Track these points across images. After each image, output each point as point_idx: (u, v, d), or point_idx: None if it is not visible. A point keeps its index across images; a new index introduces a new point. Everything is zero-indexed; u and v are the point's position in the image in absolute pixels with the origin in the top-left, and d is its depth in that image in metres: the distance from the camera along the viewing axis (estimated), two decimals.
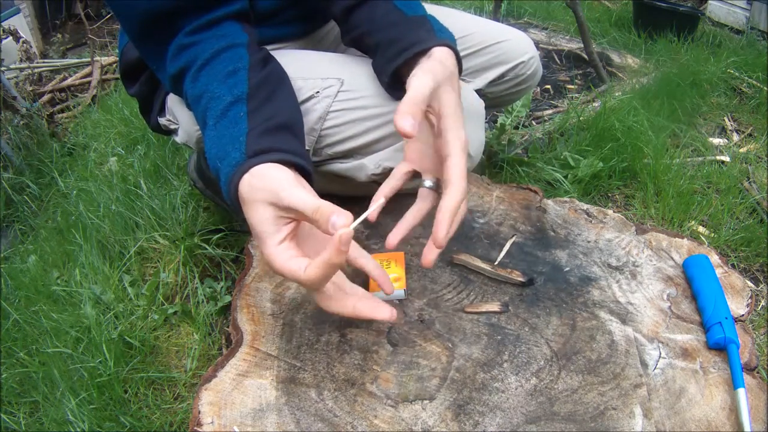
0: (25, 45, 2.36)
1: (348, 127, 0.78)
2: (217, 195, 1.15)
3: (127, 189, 1.32)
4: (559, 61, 2.20)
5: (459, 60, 0.72)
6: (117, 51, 0.94)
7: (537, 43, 2.20)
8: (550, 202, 0.93)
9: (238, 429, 0.59)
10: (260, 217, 0.58)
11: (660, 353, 0.68)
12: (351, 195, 0.87)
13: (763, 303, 1.10)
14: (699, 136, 1.60)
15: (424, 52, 0.69)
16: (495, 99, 1.03)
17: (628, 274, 0.79)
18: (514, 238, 0.85)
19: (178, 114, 0.91)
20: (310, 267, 0.55)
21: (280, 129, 0.65)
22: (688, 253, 0.82)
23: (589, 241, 0.85)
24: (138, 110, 1.04)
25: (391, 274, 0.75)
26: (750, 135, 1.67)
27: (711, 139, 1.62)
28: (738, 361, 0.65)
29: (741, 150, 1.57)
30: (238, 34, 0.70)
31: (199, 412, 0.60)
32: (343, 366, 0.66)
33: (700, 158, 1.50)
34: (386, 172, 0.79)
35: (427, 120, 0.67)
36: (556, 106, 1.86)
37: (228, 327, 0.77)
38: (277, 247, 0.58)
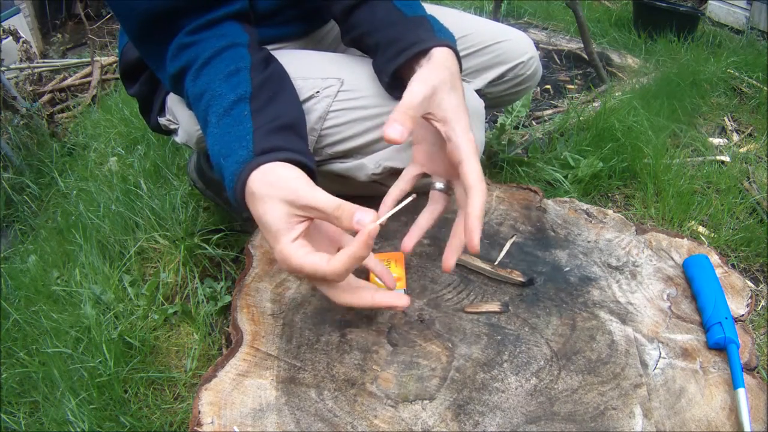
0: (25, 45, 2.36)
1: (348, 126, 0.78)
2: (218, 195, 1.15)
3: (127, 189, 1.32)
4: (559, 61, 2.20)
5: (459, 60, 0.72)
6: (117, 51, 0.94)
7: (537, 43, 2.21)
8: (550, 202, 0.93)
9: (238, 429, 0.59)
10: (274, 214, 0.58)
11: (660, 353, 0.68)
12: (351, 195, 0.87)
13: (763, 303, 1.10)
14: (699, 136, 1.60)
15: (424, 53, 0.69)
16: (495, 99, 1.03)
17: (628, 274, 0.79)
18: (514, 238, 0.85)
19: (178, 114, 0.90)
20: (334, 260, 0.56)
21: (286, 129, 0.65)
22: (688, 253, 0.82)
23: (589, 241, 0.85)
24: (138, 110, 1.04)
25: (392, 274, 0.74)
26: (750, 135, 1.67)
27: (711, 139, 1.62)
28: (738, 361, 0.65)
29: (741, 150, 1.57)
30: (239, 34, 0.70)
31: (199, 412, 0.60)
32: (343, 366, 0.66)
33: (700, 158, 1.50)
34: (386, 172, 0.80)
35: (431, 126, 0.67)
36: (556, 106, 1.86)
37: (228, 327, 0.77)
38: (292, 244, 0.58)
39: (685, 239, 0.85)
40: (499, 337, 0.70)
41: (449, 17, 0.87)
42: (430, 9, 0.84)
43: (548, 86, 2.00)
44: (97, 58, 2.43)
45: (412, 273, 0.79)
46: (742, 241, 1.20)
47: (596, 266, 0.81)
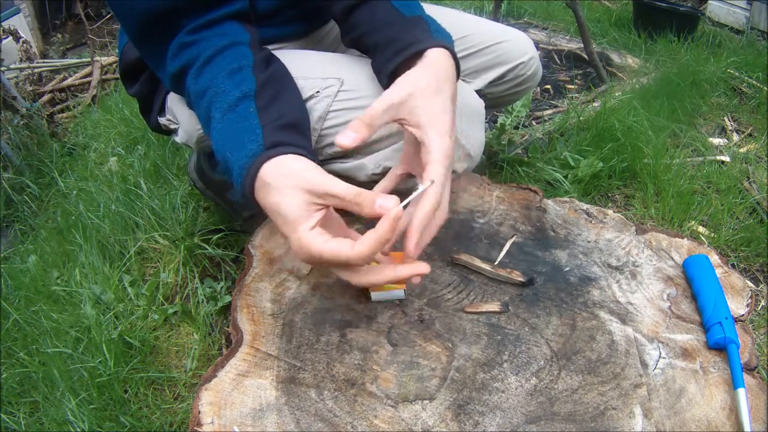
0: (25, 45, 2.36)
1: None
2: (218, 195, 1.15)
3: (127, 189, 1.32)
4: (559, 61, 2.20)
5: (456, 60, 0.72)
6: (117, 51, 0.94)
7: (537, 43, 2.20)
8: (550, 202, 0.93)
9: (238, 429, 0.59)
10: (292, 203, 0.59)
11: (660, 353, 0.68)
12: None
13: (763, 303, 1.10)
14: (699, 136, 1.60)
15: (420, 53, 0.69)
16: (495, 99, 1.03)
17: (628, 274, 0.79)
18: (514, 238, 0.85)
19: (178, 114, 0.91)
20: (359, 244, 0.57)
21: (291, 128, 0.66)
22: (688, 253, 0.82)
23: (589, 241, 0.85)
24: (138, 110, 1.04)
25: None
26: (750, 135, 1.67)
27: (711, 139, 1.62)
28: (738, 361, 0.65)
29: (741, 150, 1.57)
30: (240, 33, 0.70)
31: (199, 412, 0.60)
32: (343, 366, 0.66)
33: (700, 158, 1.50)
34: (386, 172, 0.80)
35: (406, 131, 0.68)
36: (556, 106, 1.86)
37: (228, 327, 0.77)
38: (310, 232, 0.59)
39: (685, 239, 0.85)
40: (499, 337, 0.70)
41: (449, 17, 0.87)
42: (430, 9, 0.84)
43: (548, 86, 2.00)
44: (97, 58, 2.43)
45: None
46: (742, 241, 1.20)
47: (596, 266, 0.81)
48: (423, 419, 0.61)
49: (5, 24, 2.43)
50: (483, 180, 0.98)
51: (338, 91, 0.78)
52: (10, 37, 2.30)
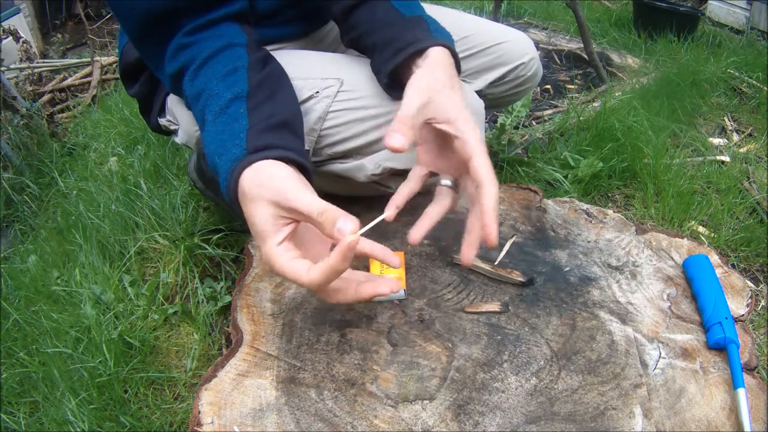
0: (25, 45, 2.36)
1: (347, 127, 0.78)
2: (218, 195, 1.15)
3: (127, 189, 1.32)
4: (559, 61, 2.20)
5: (457, 60, 0.72)
6: (117, 51, 0.94)
7: (537, 43, 2.20)
8: (550, 202, 0.93)
9: (238, 429, 0.59)
10: (261, 215, 0.58)
11: (660, 353, 0.68)
12: (351, 195, 0.87)
13: (763, 303, 1.10)
14: (699, 136, 1.60)
15: (420, 52, 0.69)
16: (495, 100, 1.03)
17: (628, 274, 0.79)
18: (514, 238, 0.85)
19: (178, 114, 0.90)
20: (313, 271, 0.55)
21: (281, 127, 0.65)
22: (688, 253, 0.82)
23: (589, 241, 0.85)
24: (138, 110, 1.04)
25: (391, 273, 0.75)
26: (750, 135, 1.67)
27: (711, 139, 1.62)
28: (738, 361, 0.65)
29: (741, 150, 1.57)
30: (237, 35, 0.70)
31: (199, 412, 0.60)
32: (343, 366, 0.66)
33: (700, 158, 1.50)
34: (386, 173, 0.80)
35: (433, 127, 0.67)
36: (556, 106, 1.86)
37: (228, 327, 0.77)
38: (277, 248, 0.58)
39: (685, 239, 0.85)
40: (499, 337, 0.70)
41: (449, 18, 0.87)
42: (430, 9, 0.84)
43: (548, 86, 2.00)
44: (97, 58, 2.43)
45: (412, 273, 0.79)
46: (742, 241, 1.20)
47: (596, 266, 0.81)
48: (423, 419, 0.61)
49: (5, 24, 2.43)
50: None
51: (338, 92, 0.78)
52: (10, 37, 2.30)
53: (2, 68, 2.13)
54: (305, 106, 0.77)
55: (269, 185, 0.58)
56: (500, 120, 1.54)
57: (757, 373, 0.69)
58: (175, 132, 0.95)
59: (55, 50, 2.97)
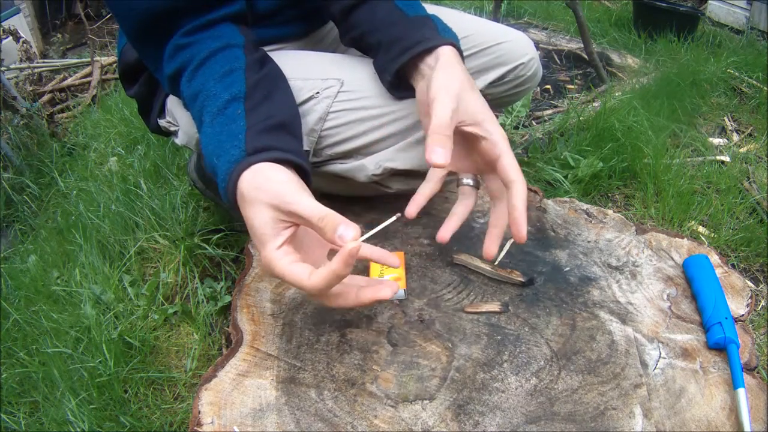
0: (25, 45, 2.36)
1: (348, 127, 0.78)
2: (218, 195, 1.15)
3: (127, 189, 1.32)
4: (559, 61, 2.20)
5: (463, 60, 0.72)
6: (116, 51, 0.94)
7: (537, 43, 2.21)
8: (550, 202, 0.93)
9: (238, 429, 0.59)
10: (260, 218, 0.58)
11: (660, 353, 0.68)
12: (351, 195, 0.87)
13: (763, 303, 1.10)
14: (699, 136, 1.60)
15: (429, 51, 0.69)
16: (495, 100, 1.03)
17: (628, 274, 0.79)
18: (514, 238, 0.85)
19: (178, 116, 0.90)
20: (315, 276, 0.55)
21: (279, 128, 0.65)
22: (688, 253, 0.82)
23: (589, 241, 0.85)
24: (137, 110, 1.04)
25: (391, 274, 0.75)
26: (750, 135, 1.68)
27: (711, 139, 1.62)
28: (738, 361, 0.65)
29: (741, 150, 1.57)
30: (235, 36, 0.70)
31: (199, 412, 0.60)
32: (343, 366, 0.66)
33: (700, 158, 1.50)
34: (386, 173, 0.80)
35: (459, 133, 0.68)
36: (556, 106, 1.86)
37: (228, 327, 0.77)
38: (277, 251, 0.58)
39: (685, 239, 0.85)
40: (499, 337, 0.70)
41: (449, 18, 0.87)
42: (431, 9, 0.84)
43: (548, 86, 2.01)
44: (97, 58, 2.43)
45: (412, 273, 0.79)
46: (742, 241, 1.20)
47: (596, 266, 0.81)
48: (423, 419, 0.61)
49: (5, 24, 2.43)
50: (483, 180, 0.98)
51: (338, 92, 0.78)
52: (10, 37, 2.30)
53: (2, 68, 2.13)
54: (305, 106, 0.77)
55: (268, 188, 0.58)
56: (500, 120, 1.54)
57: (757, 373, 0.69)
58: (174, 133, 0.95)
59: (55, 50, 2.97)
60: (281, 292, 0.76)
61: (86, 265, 1.13)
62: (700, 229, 1.25)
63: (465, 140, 0.69)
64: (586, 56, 2.04)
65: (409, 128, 0.78)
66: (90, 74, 2.40)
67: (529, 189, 0.95)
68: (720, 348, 0.68)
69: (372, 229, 0.60)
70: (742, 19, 2.53)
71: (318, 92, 0.78)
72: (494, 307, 0.74)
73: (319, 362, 0.67)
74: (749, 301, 0.75)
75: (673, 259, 0.82)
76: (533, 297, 0.76)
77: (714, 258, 0.81)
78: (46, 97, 2.30)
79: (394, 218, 0.60)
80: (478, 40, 0.97)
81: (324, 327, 0.71)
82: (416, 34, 0.71)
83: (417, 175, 0.76)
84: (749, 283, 1.12)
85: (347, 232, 0.54)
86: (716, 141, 1.62)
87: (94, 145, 1.74)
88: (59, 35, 3.02)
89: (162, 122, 0.95)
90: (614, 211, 0.91)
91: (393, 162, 0.79)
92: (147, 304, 1.06)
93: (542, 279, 0.79)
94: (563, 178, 1.32)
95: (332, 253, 0.66)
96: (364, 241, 0.56)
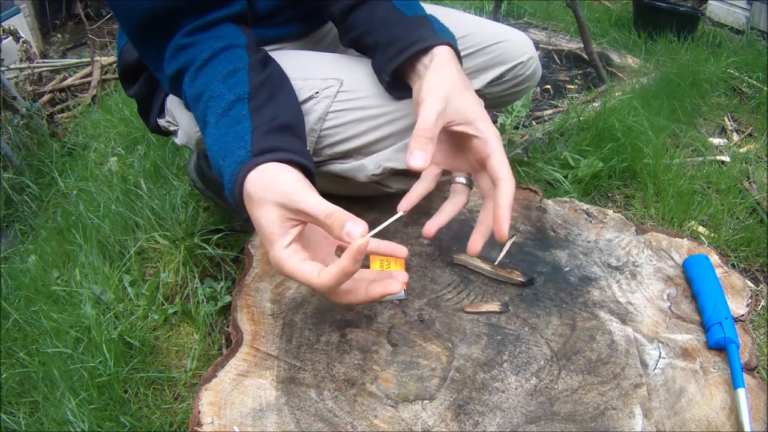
0: (25, 45, 2.36)
1: (348, 127, 0.78)
2: (217, 195, 1.15)
3: (127, 189, 1.32)
4: (559, 61, 2.20)
5: (460, 59, 0.72)
6: (116, 51, 0.94)
7: (537, 43, 2.21)
8: (550, 202, 0.93)
9: (238, 429, 0.59)
10: (268, 218, 0.58)
11: (660, 353, 0.68)
12: (351, 195, 0.87)
13: (763, 303, 1.10)
14: (699, 136, 1.60)
15: (425, 51, 0.69)
16: (494, 99, 1.03)
17: (628, 274, 0.79)
18: (514, 238, 0.85)
19: (177, 115, 0.90)
20: (324, 273, 0.56)
21: (284, 129, 0.65)
22: (688, 253, 0.82)
23: (589, 241, 0.85)
24: (137, 110, 1.04)
25: (392, 269, 0.74)
26: (750, 135, 1.67)
27: (711, 139, 1.62)
28: (738, 361, 0.65)
29: (741, 150, 1.57)
30: (237, 36, 0.70)
31: (199, 412, 0.60)
32: (343, 366, 0.66)
33: (700, 158, 1.50)
34: (386, 173, 0.80)
35: (447, 130, 0.67)
36: (556, 106, 1.86)
37: (228, 327, 0.77)
38: (285, 250, 0.58)
39: (685, 239, 0.85)
40: (499, 337, 0.70)
41: (449, 17, 0.87)
42: (430, 9, 0.84)
43: (548, 86, 2.00)
44: (97, 58, 2.43)
45: (412, 273, 0.79)
46: (742, 241, 1.20)
47: (596, 266, 0.81)
48: (423, 419, 0.61)
49: (5, 24, 2.43)
50: None
51: (338, 92, 0.78)
52: (10, 37, 2.30)
53: (2, 68, 2.13)
54: (305, 106, 0.77)
55: (274, 187, 0.59)
56: (500, 120, 1.54)
57: (757, 373, 0.69)
58: (174, 133, 0.95)
59: (55, 50, 2.97)
60: (281, 292, 0.76)
61: (86, 265, 1.13)
62: (700, 229, 1.25)
63: (458, 139, 0.69)
64: (586, 56, 2.04)
65: (408, 128, 0.78)
66: (90, 74, 2.40)
67: (529, 189, 0.95)
68: (720, 348, 0.68)
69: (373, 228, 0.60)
70: (742, 19, 2.53)
71: (317, 92, 0.78)
72: (494, 307, 0.74)
73: (319, 362, 0.67)
74: (749, 301, 0.75)
75: (673, 259, 0.82)
76: (533, 297, 0.76)
77: (714, 258, 0.81)
78: (46, 97, 2.30)
79: (399, 214, 0.60)
80: (477, 39, 0.97)
81: (324, 327, 0.71)
82: (413, 35, 0.71)
83: (417, 174, 0.76)
84: (749, 283, 1.12)
85: (355, 228, 0.54)
86: (716, 141, 1.62)
87: (94, 145, 1.74)
88: (59, 35, 3.02)
89: (162, 122, 0.95)
90: (614, 211, 0.91)
91: (393, 162, 0.79)
92: (147, 304, 1.06)
93: (542, 279, 0.79)
94: (563, 178, 1.32)
95: (340, 249, 0.66)
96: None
